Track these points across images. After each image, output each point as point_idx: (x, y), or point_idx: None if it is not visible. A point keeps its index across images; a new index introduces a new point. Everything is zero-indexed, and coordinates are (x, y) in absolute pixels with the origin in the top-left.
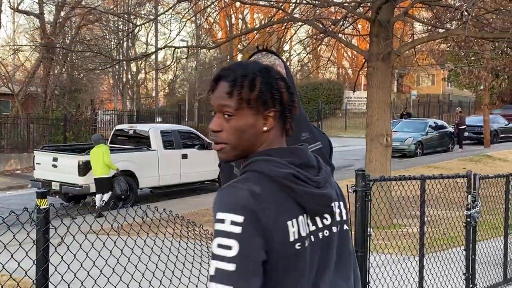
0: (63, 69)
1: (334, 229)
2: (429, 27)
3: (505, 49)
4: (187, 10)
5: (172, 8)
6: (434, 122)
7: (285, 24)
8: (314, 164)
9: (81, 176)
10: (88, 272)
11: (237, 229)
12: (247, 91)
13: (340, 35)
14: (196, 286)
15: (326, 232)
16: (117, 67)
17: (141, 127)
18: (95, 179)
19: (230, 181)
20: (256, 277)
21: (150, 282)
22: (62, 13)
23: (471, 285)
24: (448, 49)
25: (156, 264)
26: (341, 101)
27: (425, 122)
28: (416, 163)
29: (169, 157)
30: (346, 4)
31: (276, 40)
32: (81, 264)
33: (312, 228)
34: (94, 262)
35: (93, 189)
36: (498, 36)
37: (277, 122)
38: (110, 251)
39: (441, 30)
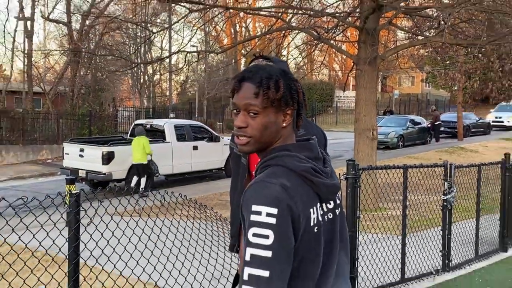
0: (88, 71)
1: (337, 211)
2: (410, 35)
3: (476, 54)
4: (197, 19)
5: (184, 17)
6: (414, 118)
7: (283, 32)
8: (321, 156)
9: (105, 165)
10: (113, 249)
11: (273, 220)
12: (273, 92)
13: (332, 41)
14: (208, 261)
15: (330, 215)
16: (135, 69)
17: (157, 122)
18: (133, 164)
19: (237, 169)
20: (289, 262)
21: (167, 257)
22: (87, 22)
23: (447, 261)
24: (426, 54)
25: (173, 242)
26: (332, 99)
27: (406, 118)
28: (398, 154)
29: (181, 148)
30: (338, 14)
31: (275, 46)
32: (108, 241)
33: (322, 212)
34: (119, 240)
35: (115, 176)
36: (471, 42)
37: (292, 119)
38: (133, 230)
39: (420, 38)
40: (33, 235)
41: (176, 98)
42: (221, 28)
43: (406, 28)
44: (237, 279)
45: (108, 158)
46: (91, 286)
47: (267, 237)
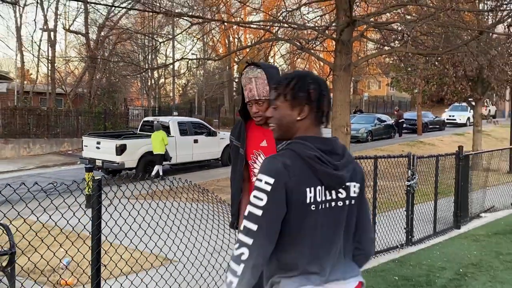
0: (103, 75)
1: (348, 202)
2: (379, 45)
3: (434, 62)
4: (197, 32)
5: (186, 30)
6: (380, 117)
7: (271, 42)
8: (339, 152)
9: (118, 155)
10: (130, 226)
11: (268, 188)
12: (285, 91)
13: (312, 51)
14: (210, 237)
15: (340, 203)
16: (144, 74)
17: (163, 119)
18: (154, 154)
19: (236, 158)
20: (277, 223)
21: (176, 234)
22: (103, 33)
23: (410, 237)
24: (391, 62)
25: (180, 221)
26: None
27: (374, 117)
28: (367, 147)
29: (184, 141)
30: (317, 27)
31: (264, 55)
32: (125, 220)
33: (328, 197)
34: (134, 219)
35: (127, 165)
36: (430, 52)
37: (309, 114)
38: (146, 211)
39: (387, 48)
40: (62, 215)
41: (178, 98)
42: (217, 39)
43: (375, 40)
44: None
45: (121, 150)
46: (110, 258)
47: (261, 199)
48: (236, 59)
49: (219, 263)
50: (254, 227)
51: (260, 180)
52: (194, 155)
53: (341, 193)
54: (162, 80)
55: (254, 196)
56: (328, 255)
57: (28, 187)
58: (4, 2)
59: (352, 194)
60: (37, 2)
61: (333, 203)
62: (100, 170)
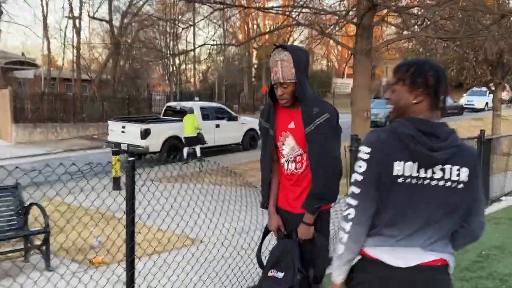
0: (127, 62)
1: (446, 183)
2: (399, 30)
3: (454, 47)
4: (218, 18)
5: (206, 17)
6: None
7: (290, 28)
8: (441, 136)
9: (142, 139)
10: (162, 206)
11: (366, 156)
12: (403, 77)
13: (333, 36)
14: (238, 217)
15: (435, 182)
16: (165, 60)
17: (185, 104)
18: (185, 137)
19: (265, 140)
20: (374, 187)
21: (206, 215)
22: (126, 20)
23: None
24: (410, 47)
25: (209, 202)
26: (330, 85)
27: None
28: None
29: (206, 126)
30: (338, 12)
31: (282, 41)
32: (157, 200)
33: (422, 175)
34: (166, 199)
35: (151, 148)
36: (450, 36)
37: (424, 99)
38: (178, 192)
39: (406, 32)
40: (98, 195)
41: (198, 84)
42: (237, 26)
43: (396, 24)
44: (267, 231)
45: (145, 134)
46: (143, 236)
47: (360, 167)
48: (255, 45)
49: (247, 243)
50: (357, 190)
51: (359, 151)
52: (216, 140)
53: (437, 173)
54: (183, 66)
55: (356, 165)
56: (410, 224)
57: (65, 167)
58: None
59: (452, 177)
60: None
61: (426, 181)
62: (125, 154)
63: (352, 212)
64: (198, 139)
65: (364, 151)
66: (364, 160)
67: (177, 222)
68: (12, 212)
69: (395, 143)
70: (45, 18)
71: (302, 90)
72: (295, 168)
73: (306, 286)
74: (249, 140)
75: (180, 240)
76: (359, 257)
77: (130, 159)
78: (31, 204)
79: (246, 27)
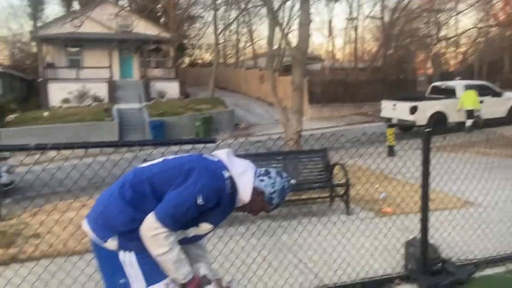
0: (395, 50)
1: None
2: None
3: None
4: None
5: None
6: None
7: None
8: None
9: (411, 114)
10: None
11: None
12: None
13: None
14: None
15: None
16: (430, 46)
17: (451, 83)
18: (466, 110)
19: None
20: None
21: (478, 180)
22: (394, 16)
23: None
24: None
25: (483, 170)
26: None
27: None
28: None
29: None
30: None
31: None
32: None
33: None
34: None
35: (418, 122)
36: None
37: None
38: (460, 159)
39: None
40: (382, 160)
41: (458, 64)
42: (500, 7)
43: None
44: None
45: (413, 109)
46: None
47: None
48: None
49: None
50: None
51: None
52: (482, 115)
53: None
54: (443, 50)
55: None
56: None
57: (368, 134)
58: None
59: None
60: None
61: None
62: (395, 127)
63: None
64: (471, 114)
65: None
66: None
67: (458, 186)
68: (322, 169)
69: None
70: (330, 22)
71: None
72: None
73: None
74: None
75: (459, 201)
76: None
77: (426, 130)
78: (334, 164)
79: (510, 6)
